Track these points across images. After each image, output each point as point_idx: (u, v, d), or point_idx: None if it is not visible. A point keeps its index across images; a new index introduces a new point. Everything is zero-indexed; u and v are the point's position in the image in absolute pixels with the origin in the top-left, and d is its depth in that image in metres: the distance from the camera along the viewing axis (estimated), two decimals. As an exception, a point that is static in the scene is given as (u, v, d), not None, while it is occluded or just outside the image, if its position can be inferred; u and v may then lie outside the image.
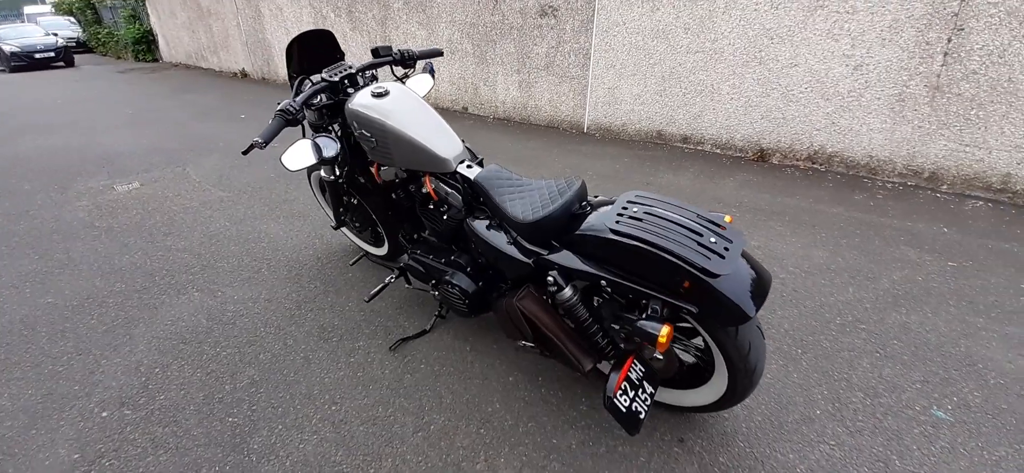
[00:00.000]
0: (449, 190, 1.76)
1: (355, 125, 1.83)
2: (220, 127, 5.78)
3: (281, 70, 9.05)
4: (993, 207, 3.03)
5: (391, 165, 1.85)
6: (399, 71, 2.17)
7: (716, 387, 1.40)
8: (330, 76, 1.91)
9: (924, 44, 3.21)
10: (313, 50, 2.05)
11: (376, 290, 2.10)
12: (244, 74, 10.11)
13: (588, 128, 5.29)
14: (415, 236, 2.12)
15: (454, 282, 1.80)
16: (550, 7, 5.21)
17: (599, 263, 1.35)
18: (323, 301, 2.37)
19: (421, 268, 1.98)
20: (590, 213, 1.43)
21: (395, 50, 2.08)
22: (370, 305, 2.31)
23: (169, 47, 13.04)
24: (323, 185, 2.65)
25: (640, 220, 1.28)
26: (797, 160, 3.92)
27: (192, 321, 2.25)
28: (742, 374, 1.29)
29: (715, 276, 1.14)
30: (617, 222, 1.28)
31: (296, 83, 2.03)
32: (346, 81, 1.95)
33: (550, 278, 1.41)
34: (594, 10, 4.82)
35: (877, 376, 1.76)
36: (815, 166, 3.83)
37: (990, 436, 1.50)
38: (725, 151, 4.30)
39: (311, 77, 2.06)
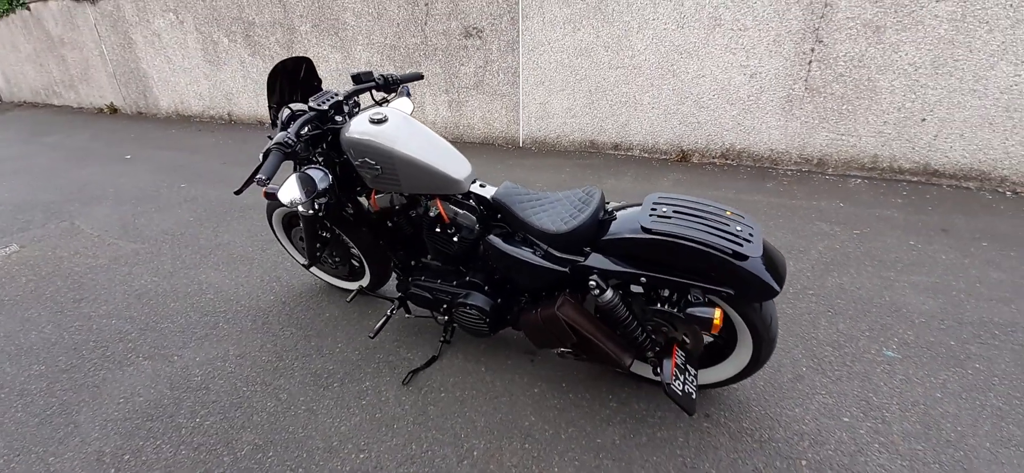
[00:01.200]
0: (459, 211, 1.75)
1: (353, 154, 1.75)
2: (103, 171, 4.98)
3: (164, 103, 8.05)
4: (869, 183, 3.73)
5: (397, 192, 1.80)
6: (378, 95, 2.11)
7: (738, 360, 1.57)
8: (318, 105, 1.81)
9: (801, 54, 3.85)
10: (292, 78, 1.92)
11: (379, 325, 2.01)
12: (113, 109, 8.80)
13: (524, 142, 5.47)
14: (412, 263, 2.06)
15: (470, 303, 1.79)
16: (475, 28, 5.33)
17: (635, 262, 1.45)
18: (306, 347, 2.18)
19: (428, 295, 1.93)
20: (614, 218, 1.53)
21: (376, 75, 2.04)
22: (365, 342, 2.18)
23: (9, 84, 10.89)
24: (289, 223, 2.45)
25: (669, 218, 1.41)
26: (713, 158, 4.45)
27: (152, 394, 1.94)
28: (766, 344, 1.47)
29: (746, 259, 1.31)
30: (652, 222, 1.39)
31: (278, 114, 1.89)
32: (332, 110, 1.85)
33: (592, 282, 1.48)
34: (519, 31, 5.03)
35: (835, 331, 2.08)
36: (728, 162, 4.38)
37: (931, 365, 1.86)
38: (652, 155, 4.73)
39: (290, 106, 1.93)
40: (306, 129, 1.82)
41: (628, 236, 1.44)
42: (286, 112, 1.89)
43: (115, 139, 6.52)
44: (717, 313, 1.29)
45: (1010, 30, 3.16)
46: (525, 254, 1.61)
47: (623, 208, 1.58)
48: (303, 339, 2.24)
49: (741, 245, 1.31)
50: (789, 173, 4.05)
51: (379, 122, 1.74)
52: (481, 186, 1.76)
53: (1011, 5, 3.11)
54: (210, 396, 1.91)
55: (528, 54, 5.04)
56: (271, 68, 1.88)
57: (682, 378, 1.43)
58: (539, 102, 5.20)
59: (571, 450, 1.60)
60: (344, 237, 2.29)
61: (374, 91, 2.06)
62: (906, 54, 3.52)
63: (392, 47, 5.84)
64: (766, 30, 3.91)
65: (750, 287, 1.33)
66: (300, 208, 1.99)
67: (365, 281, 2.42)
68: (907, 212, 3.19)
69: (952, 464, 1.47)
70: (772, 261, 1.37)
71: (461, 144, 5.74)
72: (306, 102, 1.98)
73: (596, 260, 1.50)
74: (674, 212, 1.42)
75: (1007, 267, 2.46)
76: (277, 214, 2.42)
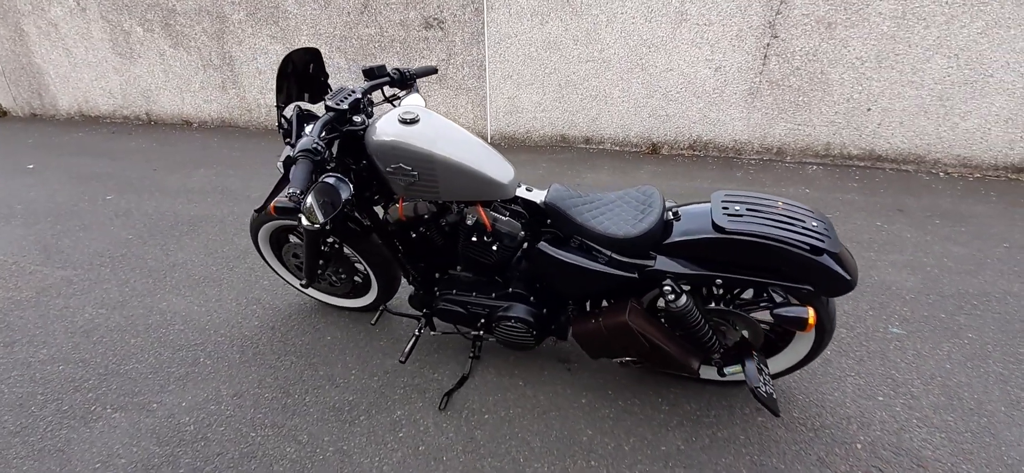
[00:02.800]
0: (501, 217, 1.62)
1: (383, 158, 1.55)
2: (3, 184, 4.18)
3: (63, 102, 6.95)
4: (824, 168, 4.03)
5: (432, 200, 1.62)
6: (388, 92, 1.91)
7: (796, 353, 1.60)
8: (338, 104, 1.59)
9: (762, 48, 4.07)
10: (299, 73, 1.68)
11: (409, 348, 1.82)
12: (2, 112, 7.46)
13: (492, 137, 5.33)
14: (437, 276, 1.89)
15: (513, 315, 1.68)
16: (435, 19, 5.10)
17: (707, 264, 1.42)
18: (315, 377, 1.95)
19: (461, 309, 1.79)
20: (678, 219, 1.49)
21: (390, 69, 1.84)
22: (381, 365, 1.99)
23: None
24: (279, 239, 2.17)
25: (742, 216, 1.38)
26: (682, 150, 4.60)
27: (136, 453, 1.62)
28: (828, 335, 1.50)
29: (822, 254, 1.31)
30: (727, 221, 1.36)
31: (289, 113, 1.64)
32: (350, 110, 1.64)
33: (667, 287, 1.42)
34: (483, 23, 4.87)
35: (842, 313, 2.20)
36: (696, 153, 4.54)
37: (933, 339, 2.02)
38: (623, 148, 4.80)
39: (300, 105, 1.68)
40: (324, 132, 1.60)
41: (702, 237, 1.40)
42: (290, 111, 1.65)
43: (9, 147, 5.52)
44: (811, 312, 1.29)
45: (945, 26, 3.52)
46: (585, 261, 1.52)
47: (677, 208, 1.54)
48: (308, 368, 2.00)
49: (821, 241, 1.31)
50: (753, 162, 4.28)
51: (411, 122, 1.56)
52: (528, 190, 1.64)
53: (946, 3, 3.46)
54: (212, 448, 1.64)
55: (495, 47, 4.90)
56: (281, 60, 1.63)
57: (763, 378, 1.42)
58: (507, 96, 5.08)
59: (639, 462, 1.54)
60: (348, 251, 2.07)
61: (385, 88, 1.86)
62: (854, 49, 3.82)
63: (343, 38, 5.44)
64: (729, 25, 4.08)
65: (831, 282, 1.34)
66: (313, 223, 1.76)
67: (370, 297, 2.21)
68: (864, 195, 3.48)
69: (980, 431, 1.60)
70: (843, 255, 1.39)
71: None
72: (312, 100, 1.75)
73: (665, 263, 1.45)
74: (747, 209, 1.40)
75: (963, 241, 2.75)
76: (265, 230, 2.13)
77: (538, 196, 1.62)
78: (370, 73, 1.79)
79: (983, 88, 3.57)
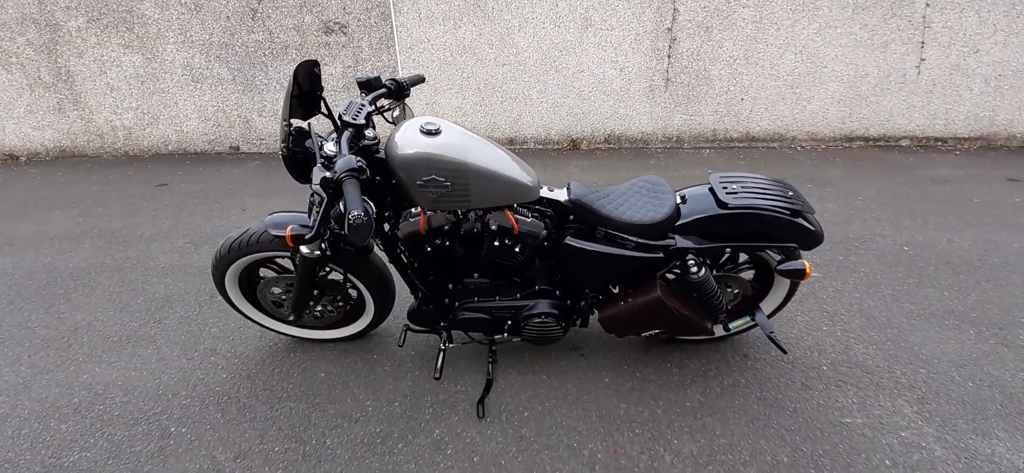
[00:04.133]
0: (526, 219, 1.67)
1: (412, 172, 1.49)
2: None
3: None
4: (716, 151, 4.73)
5: (463, 208, 1.60)
6: (378, 104, 1.82)
7: (774, 301, 1.91)
8: (354, 118, 1.49)
9: (657, 50, 4.62)
10: (300, 88, 1.52)
11: (440, 363, 1.77)
12: None
13: (410, 146, 5.19)
14: (451, 287, 1.85)
15: (540, 312, 1.75)
16: (337, 24, 4.82)
17: (716, 237, 1.64)
18: (325, 418, 1.79)
19: (485, 316, 1.79)
20: (684, 201, 1.70)
21: (386, 80, 1.76)
22: (395, 390, 1.89)
23: None
24: (250, 277, 1.94)
25: (738, 193, 1.64)
26: (599, 144, 5.00)
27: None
28: (796, 286, 1.84)
29: (800, 216, 1.62)
30: (730, 198, 1.60)
31: (296, 132, 1.49)
32: (365, 123, 1.55)
33: (691, 261, 1.61)
34: (392, 28, 4.74)
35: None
36: (611, 146, 4.98)
37: (839, 276, 2.56)
38: (546, 146, 5.05)
39: (307, 124, 1.53)
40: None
41: (710, 214, 1.62)
42: (292, 124, 1.51)
43: None
44: (807, 264, 1.57)
45: (790, 28, 4.38)
46: (615, 249, 1.64)
47: (688, 191, 1.75)
48: (314, 410, 1.82)
49: (799, 206, 1.62)
50: (660, 151, 4.84)
51: (434, 133, 1.53)
52: (549, 190, 1.71)
53: (790, 10, 4.30)
54: (234, 521, 1.42)
55: (407, 52, 4.80)
56: (291, 75, 1.47)
57: (771, 324, 1.70)
58: (425, 102, 5.01)
59: (673, 420, 1.72)
60: (338, 276, 1.92)
61: (377, 101, 1.77)
62: (727, 49, 4.54)
63: (223, 45, 4.85)
64: (628, 30, 4.56)
65: (806, 239, 1.65)
66: (308, 249, 1.62)
67: (362, 323, 2.08)
68: (751, 170, 4.18)
69: (896, 339, 2.08)
70: (812, 216, 1.71)
71: None
72: (305, 116, 1.60)
73: (682, 242, 1.64)
74: (741, 187, 1.65)
75: (831, 199, 3.48)
76: (234, 270, 1.88)
77: (560, 195, 1.70)
78: (367, 85, 1.70)
79: (821, 77, 4.53)
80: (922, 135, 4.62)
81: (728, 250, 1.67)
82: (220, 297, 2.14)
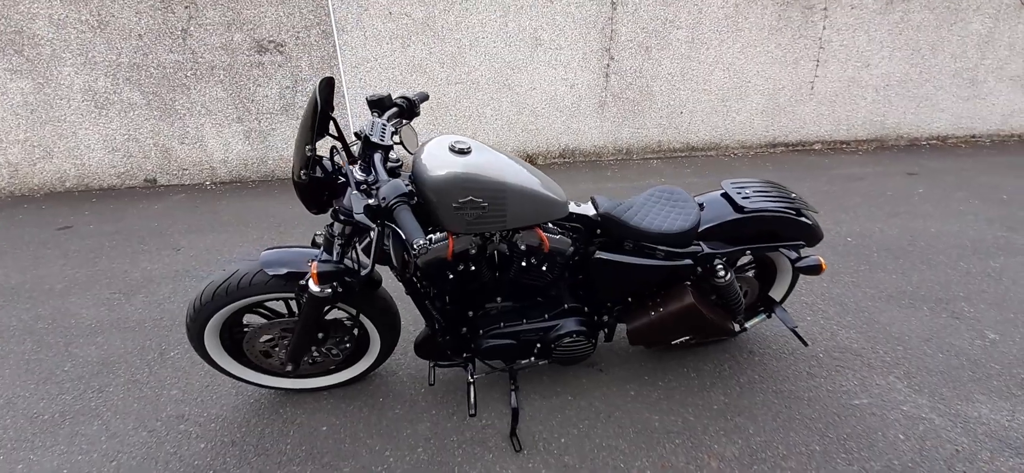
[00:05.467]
0: (555, 236, 1.62)
1: (448, 194, 1.37)
2: None
3: None
4: (663, 161, 5.00)
5: (498, 228, 1.50)
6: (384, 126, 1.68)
7: (776, 294, 2.02)
8: (382, 139, 1.35)
9: (603, 68, 4.83)
10: (314, 107, 1.35)
11: (473, 399, 1.64)
12: None
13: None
14: (471, 314, 1.74)
15: (572, 330, 1.70)
16: (272, 42, 4.47)
17: (735, 241, 1.71)
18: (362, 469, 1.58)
19: (513, 341, 1.70)
20: (702, 209, 1.75)
21: (396, 98, 1.63)
22: (413, 435, 1.73)
23: None
24: (231, 330, 1.68)
25: (751, 197, 1.72)
26: (555, 158, 5.09)
27: None
28: (796, 281, 1.97)
29: (803, 216, 1.74)
30: (746, 203, 1.67)
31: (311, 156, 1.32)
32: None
33: (719, 266, 1.65)
34: (335, 46, 4.50)
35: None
36: (567, 160, 5.09)
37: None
38: (502, 163, 5.03)
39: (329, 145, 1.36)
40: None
41: (730, 219, 1.68)
42: (310, 153, 1.34)
43: None
44: (821, 259, 1.68)
45: (718, 48, 4.78)
46: (646, 259, 1.64)
47: (704, 198, 1.80)
48: (326, 470, 1.60)
49: (802, 206, 1.73)
50: (613, 163, 5.02)
51: (466, 152, 1.43)
52: (576, 204, 1.67)
53: (717, 31, 4.71)
54: None
55: (352, 71, 4.57)
56: (312, 96, 1.30)
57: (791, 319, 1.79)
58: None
59: (708, 426, 1.74)
60: (347, 313, 1.74)
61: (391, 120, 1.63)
62: (665, 67, 4.86)
63: (135, 67, 4.31)
64: (576, 49, 4.72)
65: (810, 236, 1.77)
66: (319, 290, 1.44)
67: (365, 363, 1.89)
68: (698, 176, 4.47)
69: (869, 322, 2.29)
70: (813, 215, 1.84)
71: (273, 181, 4.77)
72: (318, 136, 1.43)
73: (710, 246, 1.68)
74: (754, 192, 1.74)
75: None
76: (214, 323, 1.61)
77: (586, 209, 1.67)
78: (380, 104, 1.57)
79: (746, 91, 4.99)
80: (830, 139, 5.25)
81: (748, 252, 1.74)
82: (177, 353, 1.83)
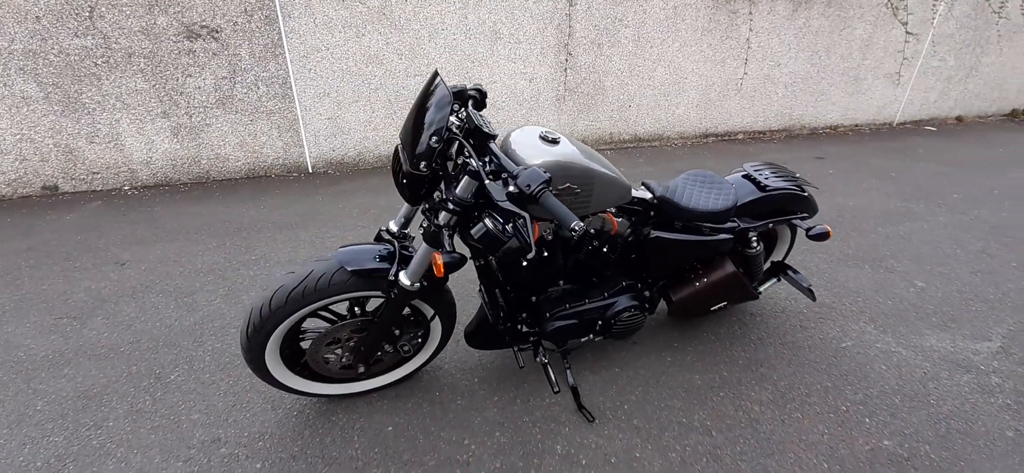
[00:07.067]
0: (620, 218, 1.74)
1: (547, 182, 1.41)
2: None
3: None
4: (615, 151, 5.33)
5: (584, 213, 1.57)
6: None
7: (780, 252, 2.33)
8: (491, 130, 1.35)
9: (560, 63, 5.03)
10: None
11: (553, 378, 1.71)
12: None
13: (314, 167, 4.62)
14: (532, 299, 1.78)
15: (628, 305, 1.83)
16: (205, 28, 4.03)
17: (760, 216, 1.96)
18: (436, 470, 1.56)
19: (576, 321, 1.78)
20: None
21: (470, 89, 1.62)
22: (484, 421, 1.75)
23: None
24: (293, 345, 1.57)
25: (770, 178, 1.98)
26: (515, 151, 5.18)
27: None
28: (792, 245, 2.29)
29: (806, 190, 2.05)
30: (767, 182, 1.93)
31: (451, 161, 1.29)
32: None
33: (753, 238, 1.88)
34: (280, 33, 4.17)
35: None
36: (526, 152, 5.21)
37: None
38: (465, 157, 5.01)
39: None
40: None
41: (756, 197, 1.92)
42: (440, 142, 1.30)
43: None
44: (828, 227, 1.97)
45: (660, 46, 5.21)
46: (697, 236, 1.82)
47: (730, 179, 2.02)
48: (409, 467, 1.56)
49: (805, 183, 2.03)
50: (570, 153, 5.25)
51: (554, 141, 1.49)
52: (634, 188, 1.79)
53: (661, 31, 5.12)
54: None
55: (301, 61, 4.26)
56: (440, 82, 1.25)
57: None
58: (327, 117, 4.51)
59: (741, 379, 1.97)
60: (426, 307, 1.70)
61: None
62: (615, 63, 5.19)
63: (31, 55, 3.66)
64: (534, 44, 4.86)
65: (811, 209, 2.07)
66: (410, 283, 1.41)
67: (425, 355, 1.85)
68: (651, 164, 4.86)
69: (831, 278, 2.72)
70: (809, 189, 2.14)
71: (210, 183, 4.32)
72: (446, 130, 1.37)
73: (744, 222, 1.91)
74: (770, 172, 2.00)
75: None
76: (279, 333, 1.49)
77: (644, 193, 1.81)
78: (461, 96, 1.54)
79: (684, 86, 5.49)
80: (751, 129, 5.98)
81: (771, 225, 2.00)
82: (179, 375, 1.65)
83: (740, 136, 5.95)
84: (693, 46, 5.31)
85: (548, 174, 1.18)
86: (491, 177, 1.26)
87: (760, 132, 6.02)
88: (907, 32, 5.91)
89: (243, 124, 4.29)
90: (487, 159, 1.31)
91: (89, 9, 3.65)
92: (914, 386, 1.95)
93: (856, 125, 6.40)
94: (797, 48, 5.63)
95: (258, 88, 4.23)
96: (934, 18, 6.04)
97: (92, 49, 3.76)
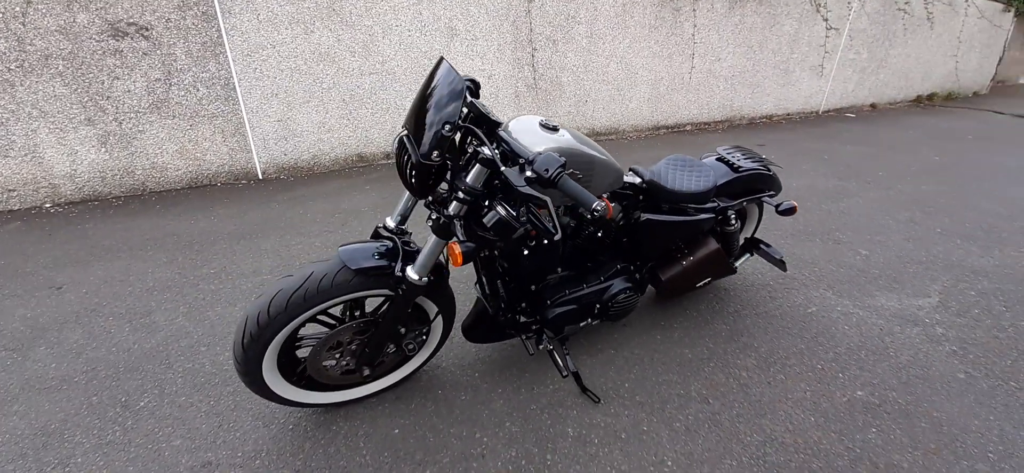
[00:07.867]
0: (614, 203, 1.79)
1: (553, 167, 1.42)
2: None
3: None
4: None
5: None
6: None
7: (749, 229, 2.48)
8: (492, 116, 1.34)
9: (517, 59, 5.07)
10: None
11: (560, 362, 1.71)
12: None
13: (265, 172, 4.35)
14: (533, 288, 1.79)
15: (624, 287, 1.88)
16: (132, 25, 3.70)
17: (736, 195, 2.08)
18: (451, 466, 1.53)
19: (576, 306, 1.81)
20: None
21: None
22: (490, 415, 1.74)
23: None
24: (289, 354, 1.49)
25: (742, 160, 2.11)
26: (477, 148, 5.16)
27: None
28: (760, 222, 2.45)
29: (771, 169, 2.20)
30: (740, 164, 2.05)
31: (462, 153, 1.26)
32: None
33: (732, 216, 1.99)
34: (220, 30, 3.91)
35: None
36: (488, 149, 5.20)
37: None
38: (426, 156, 4.92)
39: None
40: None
41: (731, 178, 2.03)
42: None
43: None
44: (795, 203, 2.13)
45: (611, 42, 5.38)
46: (683, 217, 1.89)
47: (705, 162, 2.13)
48: (423, 467, 1.52)
49: (770, 163, 2.18)
50: (531, 149, 5.30)
51: (555, 129, 1.50)
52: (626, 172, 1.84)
53: (611, 27, 5.29)
54: None
55: (244, 60, 4.02)
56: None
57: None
58: (276, 119, 4.28)
59: (727, 350, 2.08)
60: (420, 303, 1.65)
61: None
62: (571, 59, 5.31)
63: (-77, 54, 3.18)
64: (490, 41, 4.87)
65: (778, 186, 2.23)
66: (418, 278, 1.38)
67: (426, 353, 1.80)
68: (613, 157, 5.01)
69: (790, 252, 2.94)
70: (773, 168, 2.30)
71: (147, 195, 3.99)
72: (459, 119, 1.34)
73: (722, 201, 2.02)
74: (742, 155, 2.12)
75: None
76: (277, 341, 1.40)
77: (633, 178, 1.86)
78: (474, 86, 1.53)
79: (635, 81, 5.71)
80: (697, 121, 6.32)
81: (745, 203, 2.13)
82: (149, 400, 1.52)
83: (688, 127, 6.28)
84: (642, 42, 5.53)
85: (563, 158, 1.19)
86: (518, 163, 1.26)
87: (706, 123, 6.38)
88: (827, 27, 6.49)
89: (182, 130, 3.97)
90: (495, 147, 1.30)
91: (21, 5, 3.24)
92: (874, 341, 2.15)
93: (788, 114, 6.94)
94: (734, 43, 6.01)
95: (197, 90, 3.94)
96: (850, 14, 6.68)
97: (10, 52, 3.35)
